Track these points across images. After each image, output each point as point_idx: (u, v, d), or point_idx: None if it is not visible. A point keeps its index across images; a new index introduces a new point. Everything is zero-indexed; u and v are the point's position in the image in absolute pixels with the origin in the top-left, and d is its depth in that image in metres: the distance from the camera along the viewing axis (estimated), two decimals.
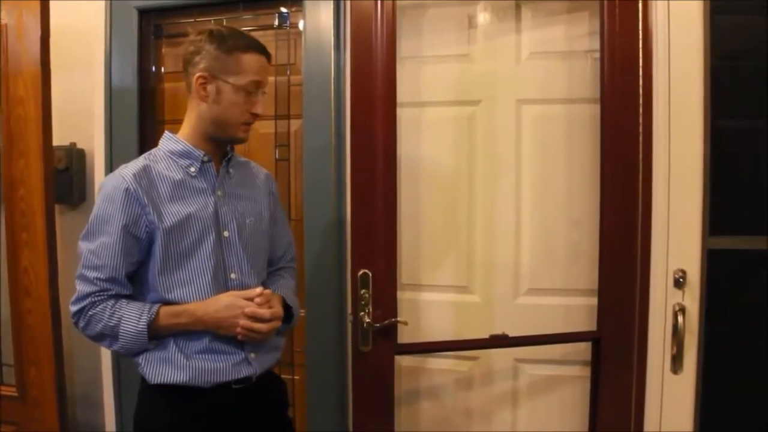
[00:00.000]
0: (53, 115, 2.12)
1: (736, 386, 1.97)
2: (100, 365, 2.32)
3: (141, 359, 1.48)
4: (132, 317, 1.43)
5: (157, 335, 1.46)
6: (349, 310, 1.84)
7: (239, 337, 1.48)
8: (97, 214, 1.46)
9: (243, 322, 1.46)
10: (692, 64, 1.82)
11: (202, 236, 1.50)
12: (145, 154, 1.55)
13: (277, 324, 1.52)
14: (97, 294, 1.44)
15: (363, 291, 1.78)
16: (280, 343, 1.66)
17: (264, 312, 1.47)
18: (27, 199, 2.10)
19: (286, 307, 1.60)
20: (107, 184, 1.47)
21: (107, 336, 1.46)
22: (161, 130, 1.59)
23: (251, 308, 1.46)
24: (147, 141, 2.27)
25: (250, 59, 1.49)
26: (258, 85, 1.52)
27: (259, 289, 1.50)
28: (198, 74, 1.48)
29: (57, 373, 2.09)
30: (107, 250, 1.43)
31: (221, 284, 1.52)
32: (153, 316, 1.44)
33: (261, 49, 1.52)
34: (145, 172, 1.48)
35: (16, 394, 2.15)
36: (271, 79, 2.21)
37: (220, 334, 1.49)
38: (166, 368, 1.46)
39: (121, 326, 1.43)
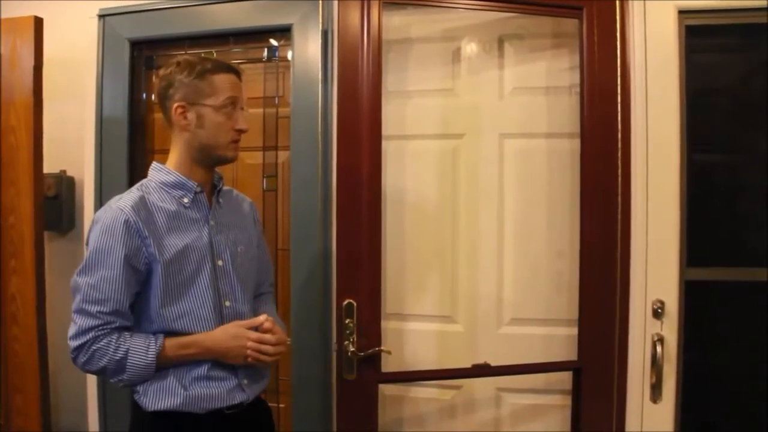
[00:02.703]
0: (44, 143, 2.16)
1: (714, 415, 2.00)
2: (85, 393, 2.30)
3: (139, 387, 1.49)
4: (140, 350, 1.43)
5: (163, 366, 1.47)
6: (334, 339, 1.86)
7: (250, 359, 1.50)
8: (96, 248, 1.43)
9: (251, 345, 1.49)
10: (669, 100, 1.88)
11: (199, 266, 1.51)
12: (137, 185, 1.55)
13: (282, 349, 1.56)
14: (100, 328, 1.42)
15: (348, 320, 1.80)
16: (268, 371, 1.68)
17: (270, 337, 1.51)
18: (17, 227, 2.12)
19: None
20: (105, 217, 1.46)
21: (111, 369, 1.45)
22: (151, 159, 1.60)
23: (257, 335, 1.50)
24: (137, 169, 2.29)
25: (222, 78, 1.52)
26: (235, 100, 1.53)
27: (263, 317, 1.53)
28: (176, 105, 1.51)
29: (42, 401, 2.09)
30: (109, 284, 1.42)
31: (218, 312, 1.53)
32: (160, 348, 1.45)
33: (229, 68, 1.55)
34: (142, 204, 1.48)
35: (0, 423, 2.15)
36: (260, 110, 2.26)
37: (216, 362, 1.51)
38: (164, 396, 1.47)
39: (128, 359, 1.43)
